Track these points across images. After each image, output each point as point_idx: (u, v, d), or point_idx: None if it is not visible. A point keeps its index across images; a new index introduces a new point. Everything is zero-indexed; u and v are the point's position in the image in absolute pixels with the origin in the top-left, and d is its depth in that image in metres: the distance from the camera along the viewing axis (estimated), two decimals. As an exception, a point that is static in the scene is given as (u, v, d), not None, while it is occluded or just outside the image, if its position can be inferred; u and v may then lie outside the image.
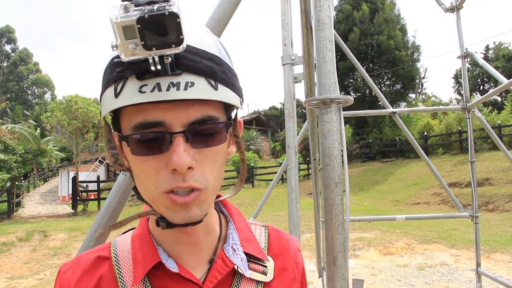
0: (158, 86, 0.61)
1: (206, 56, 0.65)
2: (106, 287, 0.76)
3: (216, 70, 0.66)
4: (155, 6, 0.55)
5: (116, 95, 0.64)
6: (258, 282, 0.80)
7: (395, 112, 4.17)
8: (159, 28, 0.56)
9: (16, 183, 22.60)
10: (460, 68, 4.63)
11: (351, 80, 29.54)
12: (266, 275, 0.81)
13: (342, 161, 1.11)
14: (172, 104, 0.63)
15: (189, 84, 0.62)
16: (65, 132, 22.85)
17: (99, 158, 34.13)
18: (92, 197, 23.43)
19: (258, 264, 0.81)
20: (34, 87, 66.39)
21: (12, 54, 66.75)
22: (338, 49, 3.22)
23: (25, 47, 68.12)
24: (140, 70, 0.60)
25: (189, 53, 0.63)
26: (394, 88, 31.67)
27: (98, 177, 24.87)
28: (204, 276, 0.77)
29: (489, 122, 21.66)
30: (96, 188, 23.11)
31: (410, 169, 22.10)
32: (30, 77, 65.73)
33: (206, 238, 0.79)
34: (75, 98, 22.44)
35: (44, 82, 66.30)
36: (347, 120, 29.33)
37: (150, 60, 0.59)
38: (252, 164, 23.87)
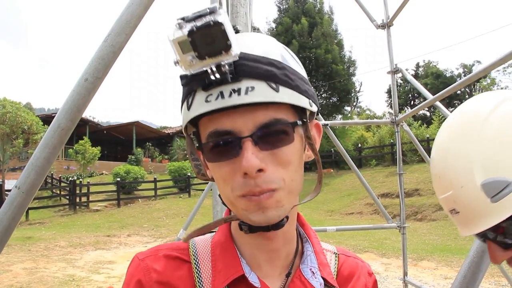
0: (221, 94, 0.65)
1: (265, 62, 0.68)
2: None
3: (277, 73, 0.68)
4: (203, 19, 0.60)
5: (188, 107, 0.69)
6: None
7: (327, 125, 4.23)
8: (207, 37, 0.61)
9: None
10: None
11: (289, 92, 30.06)
12: None
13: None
14: (238, 111, 0.66)
15: (250, 88, 0.65)
16: (-9, 138, 21.50)
17: (28, 166, 32.40)
18: (19, 207, 22.10)
19: None
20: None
21: None
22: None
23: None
24: (204, 81, 0.65)
25: (249, 60, 0.66)
26: (331, 100, 32.62)
27: (26, 186, 23.47)
28: None
29: (419, 135, 22.77)
30: (23, 198, 21.77)
31: (344, 180, 22.71)
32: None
33: (284, 247, 0.80)
34: (3, 101, 21.23)
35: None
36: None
37: (209, 70, 0.63)
38: (189, 174, 23.49)
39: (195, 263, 0.79)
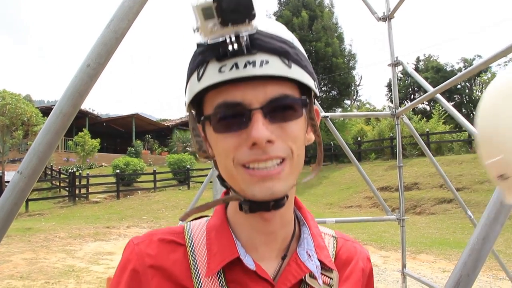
0: (236, 65, 0.66)
1: (279, 39, 0.70)
2: (180, 273, 0.76)
3: (289, 51, 0.70)
4: None
5: (199, 78, 0.69)
6: None
7: (327, 117, 4.22)
8: (232, 3, 0.62)
9: None
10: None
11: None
12: (331, 287, 0.82)
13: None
14: (250, 84, 0.67)
15: (264, 62, 0.67)
16: (-9, 129, 21.43)
17: (28, 158, 32.27)
18: (19, 198, 22.10)
19: (326, 275, 0.81)
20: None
21: None
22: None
23: None
24: (218, 52, 0.66)
25: (263, 36, 0.68)
26: (331, 94, 32.56)
27: (26, 178, 23.39)
28: (275, 273, 0.78)
29: (418, 129, 22.72)
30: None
31: (344, 173, 22.72)
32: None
33: (281, 229, 0.80)
34: (2, 93, 21.16)
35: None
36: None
37: (227, 40, 0.64)
38: (188, 166, 23.49)
39: (190, 247, 0.79)
